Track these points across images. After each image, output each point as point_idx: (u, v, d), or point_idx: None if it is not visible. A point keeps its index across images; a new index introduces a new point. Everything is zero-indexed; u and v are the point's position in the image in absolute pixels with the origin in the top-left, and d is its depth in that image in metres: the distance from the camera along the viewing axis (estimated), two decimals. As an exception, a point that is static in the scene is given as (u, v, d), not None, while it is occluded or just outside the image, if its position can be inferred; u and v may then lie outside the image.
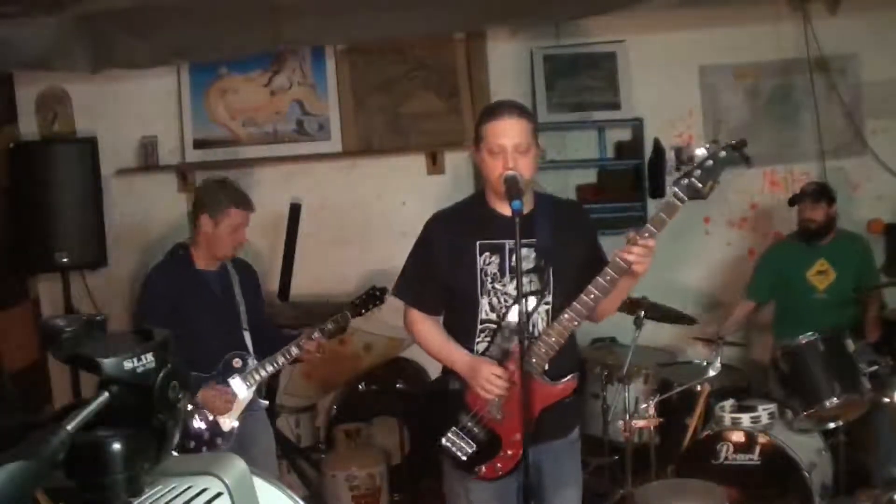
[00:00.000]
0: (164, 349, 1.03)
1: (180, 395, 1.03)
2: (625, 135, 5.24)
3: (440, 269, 2.73)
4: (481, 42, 5.18)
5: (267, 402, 3.83)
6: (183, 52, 4.85)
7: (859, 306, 4.50)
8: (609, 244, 2.83)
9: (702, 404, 4.04)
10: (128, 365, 0.98)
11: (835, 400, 3.76)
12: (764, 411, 3.83)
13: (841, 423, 3.89)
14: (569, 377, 2.69)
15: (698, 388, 4.03)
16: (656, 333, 4.85)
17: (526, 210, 2.54)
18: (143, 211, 5.18)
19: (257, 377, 3.56)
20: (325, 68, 5.23)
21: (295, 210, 4.76)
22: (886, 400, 3.79)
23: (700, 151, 2.48)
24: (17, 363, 4.76)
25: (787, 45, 5.10)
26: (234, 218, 3.53)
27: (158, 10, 4.35)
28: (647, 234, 2.48)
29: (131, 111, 5.20)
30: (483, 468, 2.70)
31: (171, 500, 1.02)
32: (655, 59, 5.13)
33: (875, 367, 3.84)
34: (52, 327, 1.00)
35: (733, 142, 2.51)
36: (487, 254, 2.68)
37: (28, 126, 5.18)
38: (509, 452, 2.67)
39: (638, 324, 4.09)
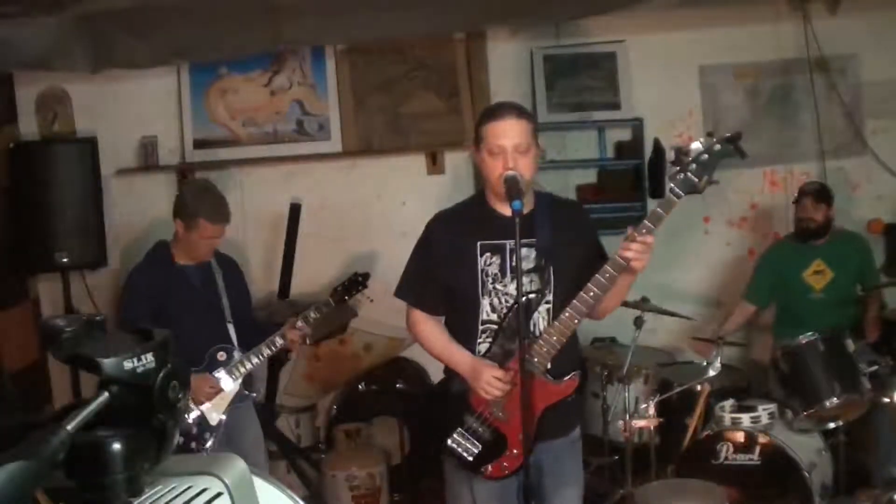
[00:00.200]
0: (164, 349, 1.03)
1: (180, 395, 1.03)
2: (625, 135, 5.25)
3: (441, 270, 2.73)
4: (481, 42, 5.18)
5: (255, 395, 3.81)
6: (183, 52, 4.85)
7: (859, 306, 4.50)
8: (609, 244, 2.83)
9: (702, 404, 4.04)
10: (128, 365, 0.98)
11: (835, 400, 3.76)
12: (764, 411, 3.83)
13: (841, 423, 3.89)
14: (570, 376, 2.69)
15: (698, 388, 4.03)
16: (656, 333, 4.85)
17: (526, 210, 2.54)
18: (143, 211, 5.18)
19: (242, 370, 3.57)
20: (325, 68, 5.23)
21: (295, 210, 4.76)
22: (886, 400, 3.79)
23: (695, 145, 2.47)
24: (17, 363, 4.76)
25: (787, 45, 5.10)
26: (205, 231, 3.54)
27: (158, 10, 4.35)
28: (644, 231, 2.48)
29: (131, 111, 5.19)
30: (490, 468, 2.71)
31: (171, 500, 1.02)
32: (655, 59, 5.13)
33: (875, 367, 3.84)
34: (52, 327, 1.00)
35: (728, 134, 2.50)
36: (488, 254, 2.68)
37: (28, 126, 5.18)
38: (515, 451, 2.68)
39: (638, 324, 4.10)
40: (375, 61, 5.22)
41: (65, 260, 4.61)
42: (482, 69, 5.18)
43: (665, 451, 4.17)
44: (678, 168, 2.48)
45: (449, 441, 2.73)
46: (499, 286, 2.67)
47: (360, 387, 5.07)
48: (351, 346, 5.25)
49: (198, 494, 1.04)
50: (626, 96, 5.15)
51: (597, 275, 2.53)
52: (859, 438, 4.09)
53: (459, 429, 2.72)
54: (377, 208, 5.25)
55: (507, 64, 5.22)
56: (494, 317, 2.69)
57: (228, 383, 3.54)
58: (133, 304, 3.55)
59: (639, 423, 3.86)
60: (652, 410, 3.85)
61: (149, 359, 1.00)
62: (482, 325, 2.71)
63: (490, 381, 2.63)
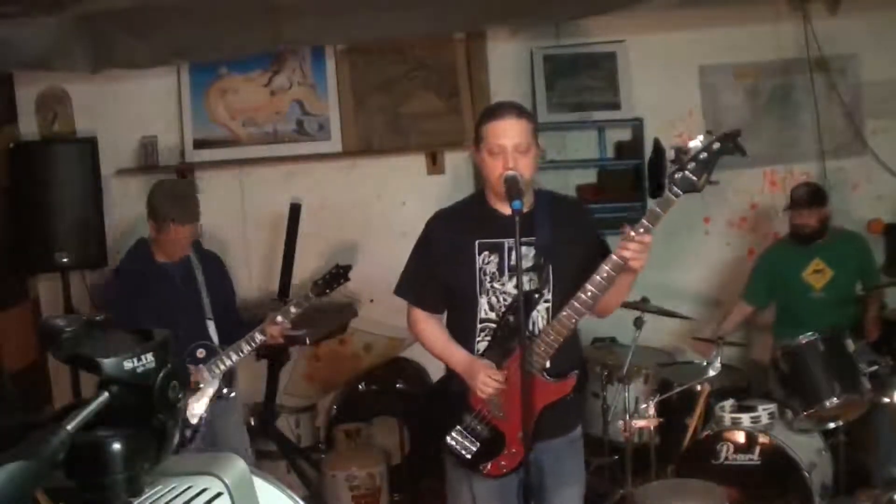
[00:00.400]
0: (164, 349, 1.03)
1: (180, 395, 1.03)
2: (625, 135, 5.25)
3: (440, 268, 2.74)
4: (481, 42, 5.18)
5: (234, 393, 3.77)
6: (183, 52, 4.85)
7: (859, 306, 4.50)
8: (609, 245, 2.82)
9: (702, 404, 4.04)
10: (128, 365, 0.98)
11: (835, 400, 3.76)
12: (764, 411, 3.83)
13: (841, 423, 3.88)
14: (569, 375, 2.68)
15: (698, 388, 4.03)
16: (656, 333, 4.85)
17: (526, 208, 2.54)
18: (143, 211, 5.16)
19: (222, 366, 3.56)
20: (325, 68, 5.23)
21: (295, 210, 4.76)
22: (886, 400, 3.79)
23: (693, 143, 2.45)
24: (17, 363, 4.76)
25: (787, 45, 5.10)
26: (174, 233, 3.55)
27: (158, 10, 4.35)
28: (642, 230, 2.47)
29: (131, 111, 5.20)
30: (488, 466, 2.71)
31: (171, 500, 1.02)
32: (655, 59, 5.13)
33: (875, 367, 3.84)
34: (52, 327, 1.00)
35: (726, 132, 2.48)
36: (486, 253, 2.68)
37: (28, 126, 5.18)
38: (513, 450, 2.68)
39: (638, 324, 4.10)
40: (375, 61, 5.22)
41: (65, 260, 4.61)
42: (482, 69, 5.18)
43: (665, 451, 4.17)
44: (677, 167, 2.46)
45: (447, 438, 2.73)
46: (497, 285, 2.68)
47: (360, 387, 5.07)
48: (351, 346, 5.25)
49: (198, 494, 1.04)
50: (626, 96, 5.15)
51: (595, 274, 2.52)
52: (859, 438, 4.09)
53: (458, 427, 2.73)
54: (377, 208, 5.25)
55: (507, 64, 5.22)
56: (493, 315, 2.70)
57: (208, 380, 3.54)
58: (116, 302, 3.56)
59: (639, 423, 3.85)
60: (652, 410, 3.85)
61: (149, 359, 1.00)
62: (480, 323, 2.71)
63: (485, 381, 2.63)
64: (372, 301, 5.15)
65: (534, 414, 2.61)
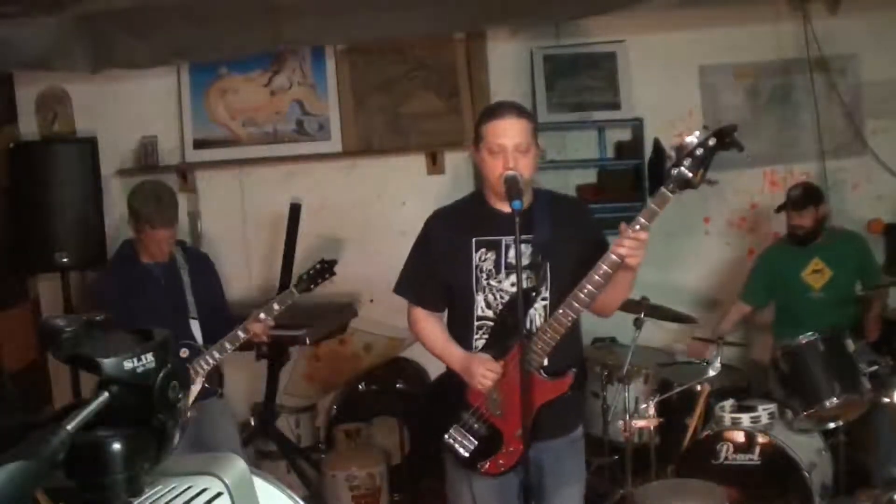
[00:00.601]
0: (164, 349, 1.03)
1: (180, 395, 1.03)
2: (625, 135, 5.24)
3: (439, 267, 2.75)
4: (481, 42, 5.18)
5: (220, 391, 3.76)
6: (183, 52, 4.85)
7: (860, 305, 4.50)
8: (610, 244, 2.82)
9: (702, 404, 4.04)
10: (128, 365, 0.98)
11: (835, 400, 3.76)
12: (764, 411, 3.83)
13: (841, 423, 3.88)
14: (567, 373, 2.67)
15: (698, 388, 4.03)
16: (656, 333, 4.85)
17: (525, 207, 2.53)
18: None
19: (205, 366, 3.55)
20: (325, 68, 5.23)
21: (295, 210, 4.76)
22: (886, 400, 3.79)
23: (690, 139, 2.42)
24: (17, 363, 4.76)
25: (787, 45, 5.10)
26: (150, 236, 3.56)
27: (158, 10, 4.36)
28: (638, 227, 2.46)
29: (131, 111, 5.20)
30: (486, 464, 2.71)
31: (171, 500, 1.02)
32: (655, 59, 5.13)
33: (875, 367, 3.83)
34: (52, 327, 1.00)
35: (721, 127, 2.45)
36: (483, 250, 2.69)
37: (28, 126, 5.18)
38: (511, 448, 2.68)
39: (638, 324, 4.10)
40: (375, 61, 5.22)
41: (65, 260, 4.62)
42: (482, 69, 5.18)
43: (665, 451, 4.17)
44: (673, 163, 2.45)
45: (445, 436, 2.73)
46: (493, 282, 2.68)
47: (360, 387, 5.07)
48: (351, 346, 5.25)
49: (198, 494, 1.04)
50: (626, 96, 5.15)
51: (592, 272, 2.51)
52: (859, 438, 4.09)
53: (456, 424, 2.73)
54: (377, 208, 5.25)
55: (507, 64, 5.22)
56: (490, 313, 2.70)
57: (192, 379, 3.54)
58: (101, 304, 3.57)
59: (639, 423, 3.85)
60: (652, 410, 3.85)
61: (149, 359, 1.00)
62: (478, 321, 2.72)
63: (483, 373, 2.63)
64: (372, 301, 5.15)
65: (531, 412, 2.60)
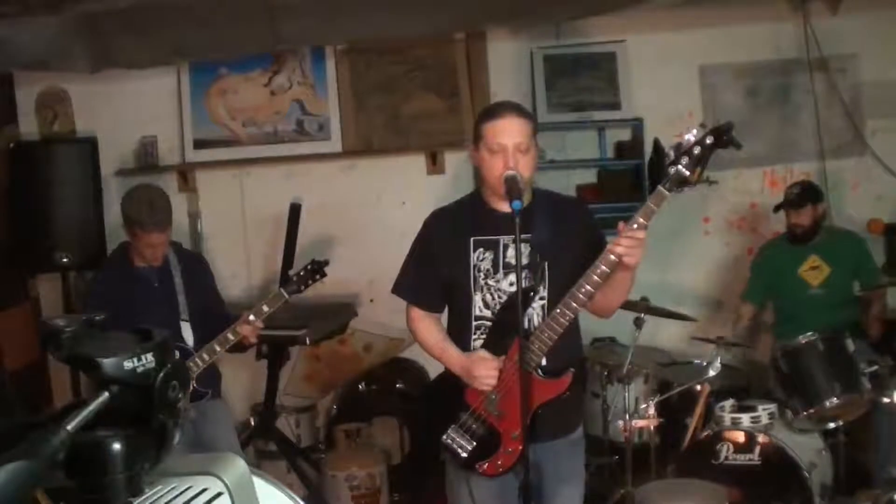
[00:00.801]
0: (164, 349, 1.03)
1: (180, 395, 1.03)
2: (625, 135, 5.24)
3: (437, 266, 2.75)
4: (481, 42, 5.18)
5: (209, 392, 3.73)
6: (183, 52, 4.85)
7: (859, 305, 4.49)
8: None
9: (702, 404, 4.04)
10: (128, 365, 0.98)
11: (835, 400, 3.75)
12: (764, 411, 3.83)
13: (841, 423, 3.88)
14: (565, 373, 2.66)
15: (698, 388, 4.03)
16: (656, 333, 4.85)
17: (523, 205, 2.53)
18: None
19: (195, 368, 3.55)
20: (325, 68, 5.23)
21: (295, 210, 4.76)
22: (886, 400, 3.78)
23: (687, 137, 2.41)
24: (17, 363, 4.76)
25: (787, 44, 5.10)
26: (141, 239, 3.55)
27: (158, 10, 4.35)
28: (635, 225, 2.46)
29: (131, 111, 5.20)
30: (485, 465, 2.70)
31: (171, 500, 1.02)
32: (655, 59, 5.13)
33: (875, 367, 3.83)
34: (52, 327, 1.00)
35: (718, 125, 2.44)
36: (481, 250, 2.69)
37: (28, 126, 5.18)
38: (510, 449, 2.68)
39: (638, 324, 4.09)
40: (375, 61, 5.21)
41: (65, 260, 4.61)
42: (482, 69, 5.18)
43: (665, 451, 4.17)
44: (670, 161, 2.44)
45: (444, 437, 2.73)
46: (491, 282, 2.68)
47: (360, 387, 5.07)
48: (351, 346, 5.25)
49: (198, 494, 1.04)
50: (626, 96, 5.15)
51: (589, 271, 2.51)
52: (859, 438, 4.09)
53: (454, 425, 2.72)
54: (377, 208, 5.25)
55: (507, 64, 5.22)
56: (487, 313, 2.70)
57: None
58: (92, 307, 3.57)
59: (639, 423, 3.85)
60: (652, 410, 3.85)
61: (149, 359, 1.00)
62: (475, 320, 2.71)
63: (487, 375, 2.62)
64: (372, 301, 5.15)
65: (529, 412, 2.60)
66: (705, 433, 3.88)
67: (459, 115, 5.17)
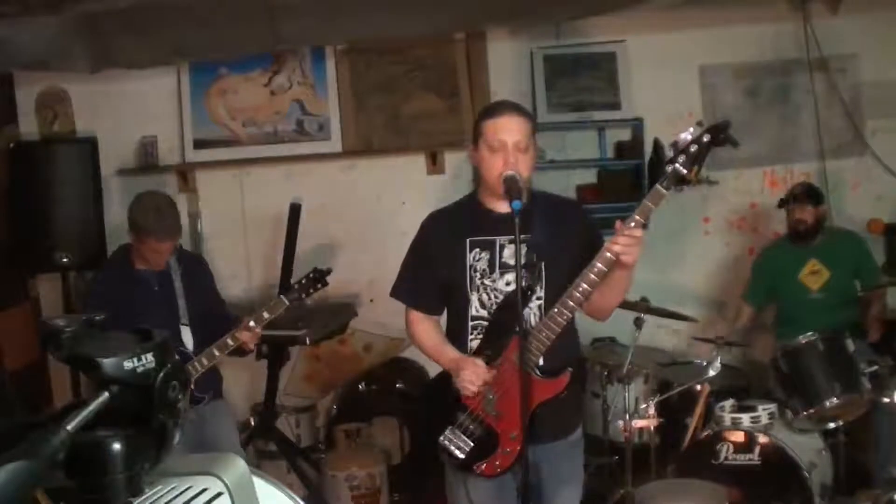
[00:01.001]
0: (164, 349, 1.03)
1: (180, 396, 1.03)
2: (625, 135, 5.24)
3: (435, 268, 2.75)
4: (481, 42, 5.18)
5: (205, 397, 3.73)
6: (183, 52, 4.85)
7: (860, 305, 4.49)
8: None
9: (702, 404, 4.04)
10: (128, 365, 0.98)
11: (835, 400, 3.75)
12: (764, 411, 3.83)
13: (841, 423, 3.88)
14: (562, 372, 2.65)
15: (698, 388, 4.03)
16: (656, 333, 4.85)
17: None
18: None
19: (194, 372, 3.55)
20: (325, 68, 5.23)
21: (295, 210, 4.76)
22: (886, 400, 3.78)
23: (684, 135, 2.41)
24: (17, 363, 4.76)
25: (787, 45, 5.10)
26: (150, 245, 3.56)
27: (158, 10, 4.35)
28: (632, 224, 2.46)
29: (131, 111, 5.19)
30: (483, 465, 2.70)
31: (171, 500, 1.02)
32: (655, 59, 5.13)
33: (875, 367, 3.83)
34: (52, 327, 1.00)
35: (715, 123, 2.44)
36: (477, 250, 2.69)
37: (28, 126, 5.18)
38: (507, 449, 2.67)
39: (638, 324, 4.09)
40: (375, 61, 5.21)
41: (65, 260, 4.61)
42: (482, 69, 5.18)
43: (665, 451, 4.17)
44: (667, 159, 2.44)
45: (441, 438, 2.72)
46: (487, 282, 2.68)
47: (360, 387, 5.06)
48: (351, 346, 5.25)
49: (198, 494, 1.04)
50: (626, 96, 5.15)
51: (586, 270, 2.51)
52: (859, 438, 4.09)
53: (451, 426, 2.72)
54: (377, 208, 5.25)
55: (507, 64, 5.22)
56: (484, 313, 2.70)
57: None
58: (92, 307, 3.56)
59: (639, 423, 3.85)
60: (652, 410, 3.85)
61: (149, 359, 1.00)
62: (472, 321, 2.71)
63: (470, 379, 2.62)
64: (372, 301, 5.15)
65: (527, 412, 2.59)
66: (705, 433, 3.88)
67: (459, 115, 5.17)
